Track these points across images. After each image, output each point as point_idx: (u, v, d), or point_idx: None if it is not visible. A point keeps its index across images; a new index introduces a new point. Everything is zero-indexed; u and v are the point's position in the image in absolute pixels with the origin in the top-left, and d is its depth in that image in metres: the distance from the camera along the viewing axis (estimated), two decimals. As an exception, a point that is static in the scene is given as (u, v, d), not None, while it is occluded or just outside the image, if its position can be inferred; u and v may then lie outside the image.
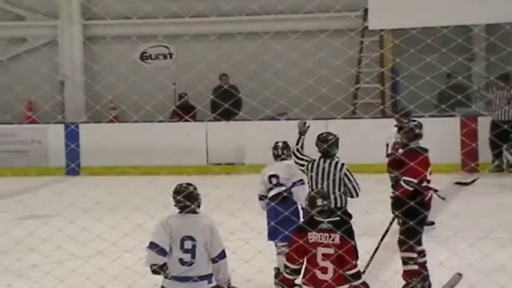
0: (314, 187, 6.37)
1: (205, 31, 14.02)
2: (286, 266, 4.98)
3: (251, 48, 11.77)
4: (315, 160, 6.48)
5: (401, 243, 6.30)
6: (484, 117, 12.52)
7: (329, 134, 6.54)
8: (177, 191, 4.94)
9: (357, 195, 6.33)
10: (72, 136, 13.67)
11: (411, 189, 6.24)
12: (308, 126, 6.75)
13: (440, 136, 11.19)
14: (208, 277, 4.87)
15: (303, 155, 6.65)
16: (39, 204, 9.39)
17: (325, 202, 4.95)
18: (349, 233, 4.93)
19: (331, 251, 4.82)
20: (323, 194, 5.07)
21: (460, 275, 6.02)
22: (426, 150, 6.44)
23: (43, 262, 6.98)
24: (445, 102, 9.38)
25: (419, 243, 6.35)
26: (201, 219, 4.92)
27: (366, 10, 13.71)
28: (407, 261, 6.32)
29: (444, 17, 11.69)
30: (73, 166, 12.96)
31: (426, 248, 6.52)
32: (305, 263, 4.92)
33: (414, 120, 6.95)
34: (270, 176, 6.93)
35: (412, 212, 6.11)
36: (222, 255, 4.90)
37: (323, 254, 4.83)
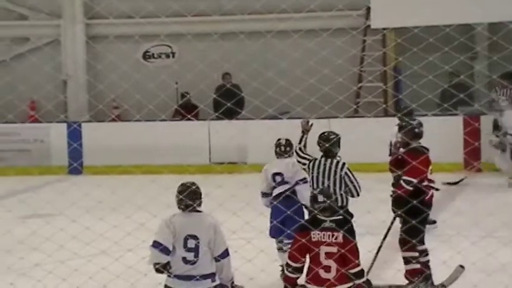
0: (316, 186, 6.36)
1: (208, 30, 14.03)
2: (288, 265, 4.98)
3: (253, 47, 11.79)
4: (316, 159, 6.48)
5: (402, 242, 6.30)
6: (486, 116, 12.50)
7: (331, 133, 6.54)
8: (182, 190, 4.93)
9: (358, 194, 6.33)
10: (74, 135, 13.67)
11: (411, 188, 6.23)
12: (311, 125, 6.75)
13: (443, 135, 11.19)
14: (211, 276, 4.88)
15: (305, 154, 6.65)
16: (42, 203, 9.40)
17: (327, 200, 4.93)
18: (351, 232, 4.92)
19: (334, 249, 4.82)
20: (326, 192, 5.06)
21: (462, 267, 6.01)
22: (427, 150, 6.44)
23: (46, 261, 6.98)
24: (448, 101, 9.38)
25: (422, 242, 6.34)
26: (205, 218, 4.92)
27: (368, 9, 13.70)
28: (409, 260, 6.31)
29: (447, 16, 11.69)
30: (76, 165, 12.96)
31: (429, 247, 6.51)
32: (308, 262, 4.91)
33: (414, 119, 6.94)
34: (274, 174, 6.93)
35: (413, 211, 6.11)
36: (226, 254, 4.91)
37: (326, 253, 4.82)
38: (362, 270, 4.90)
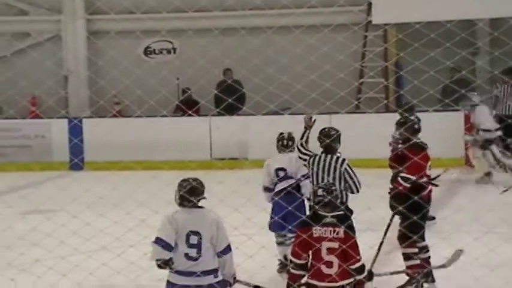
0: (316, 182, 6.36)
1: (209, 26, 14.01)
2: (291, 261, 4.98)
3: (255, 43, 11.76)
4: (316, 155, 6.48)
5: (401, 239, 6.29)
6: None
7: (331, 129, 6.53)
8: (184, 186, 4.91)
9: (358, 191, 6.32)
10: (75, 131, 13.67)
11: (408, 185, 6.22)
12: (314, 121, 6.74)
13: (444, 130, 11.18)
14: (214, 272, 4.88)
15: (306, 150, 6.64)
16: (43, 199, 9.39)
17: (328, 196, 4.93)
18: (351, 228, 4.92)
19: (335, 245, 4.82)
20: (328, 187, 5.05)
21: (461, 250, 6.00)
22: (426, 146, 6.44)
23: (46, 257, 6.98)
24: (449, 97, 9.35)
25: (422, 238, 6.33)
26: (207, 214, 4.92)
27: (369, 4, 13.68)
28: (409, 256, 6.30)
29: (448, 11, 11.67)
30: (76, 161, 12.95)
31: (430, 243, 6.51)
32: (310, 258, 4.91)
33: (412, 115, 6.94)
34: (277, 169, 6.92)
35: (413, 207, 6.11)
36: (228, 249, 4.91)
37: (328, 249, 4.83)
38: (363, 266, 4.90)
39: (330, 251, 4.82)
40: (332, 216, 4.88)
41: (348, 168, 6.35)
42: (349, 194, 6.35)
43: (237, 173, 10.45)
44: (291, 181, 6.87)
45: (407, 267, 6.34)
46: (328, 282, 4.82)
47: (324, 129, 6.53)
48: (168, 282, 4.92)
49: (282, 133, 7.09)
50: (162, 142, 13.41)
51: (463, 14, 11.70)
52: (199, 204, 4.94)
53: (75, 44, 15.54)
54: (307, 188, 6.70)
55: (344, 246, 4.80)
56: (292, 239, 6.40)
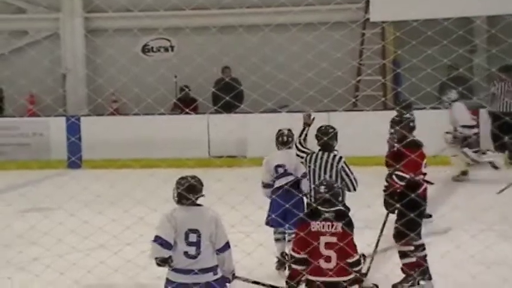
0: (313, 180, 6.39)
1: (206, 24, 14.01)
2: (292, 257, 5.04)
3: (252, 41, 11.76)
4: (314, 152, 6.49)
5: (397, 236, 6.30)
6: (484, 109, 12.50)
7: (328, 126, 6.55)
8: (183, 184, 4.92)
9: (354, 189, 6.34)
10: (73, 129, 13.66)
11: (403, 184, 6.23)
12: (313, 119, 6.76)
13: (441, 128, 11.15)
14: (213, 269, 4.89)
15: (304, 148, 6.65)
16: (41, 197, 9.41)
17: (330, 192, 5.00)
18: (350, 224, 4.95)
19: (333, 239, 4.87)
20: (329, 184, 5.10)
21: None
22: (422, 144, 6.46)
23: (44, 255, 6.98)
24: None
25: (419, 236, 6.34)
26: (206, 212, 4.93)
27: (367, 2, 13.68)
28: (405, 254, 6.31)
29: (446, 9, 11.68)
30: (74, 159, 12.95)
31: (427, 241, 6.52)
32: (307, 253, 4.95)
33: (409, 112, 6.94)
34: (277, 166, 6.93)
35: (411, 205, 6.12)
36: (227, 247, 4.92)
37: (326, 243, 4.88)
38: (359, 260, 4.94)
39: (328, 245, 4.86)
40: (331, 212, 4.92)
41: (344, 166, 6.37)
42: (346, 192, 6.35)
43: (235, 171, 10.44)
44: (290, 178, 6.88)
45: (404, 265, 6.35)
46: (327, 277, 4.85)
47: (321, 127, 6.56)
48: (167, 280, 4.93)
49: (281, 130, 7.10)
50: (160, 140, 13.41)
51: (460, 12, 11.71)
52: (198, 202, 4.95)
53: (73, 42, 15.52)
54: (306, 185, 6.71)
55: (341, 244, 4.82)
56: (292, 235, 6.48)
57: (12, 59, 14.92)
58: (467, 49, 11.76)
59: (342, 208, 5.06)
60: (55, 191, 8.75)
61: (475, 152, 10.96)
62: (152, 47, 15.74)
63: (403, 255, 6.33)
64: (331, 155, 6.43)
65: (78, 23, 15.51)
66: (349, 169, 6.40)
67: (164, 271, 4.97)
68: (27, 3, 15.84)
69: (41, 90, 13.80)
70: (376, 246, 6.39)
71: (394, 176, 6.27)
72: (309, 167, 6.46)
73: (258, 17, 13.49)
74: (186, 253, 4.83)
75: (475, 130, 11.15)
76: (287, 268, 6.54)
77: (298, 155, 6.70)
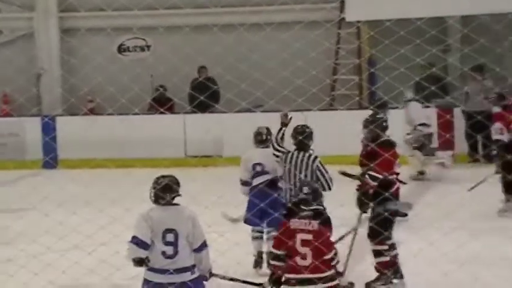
0: (288, 179, 6.43)
1: (180, 23, 13.98)
2: (271, 253, 5.13)
3: (227, 40, 11.76)
4: (290, 152, 6.53)
5: (372, 236, 6.34)
6: (458, 108, 12.62)
7: (305, 126, 6.58)
8: (159, 183, 4.92)
9: (329, 188, 6.37)
10: (48, 129, 13.58)
11: (375, 183, 6.27)
12: (290, 118, 6.78)
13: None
14: (190, 268, 4.88)
15: (281, 147, 6.68)
16: (16, 197, 9.34)
17: (312, 193, 5.11)
18: (327, 222, 5.01)
19: (309, 237, 4.93)
20: (311, 184, 5.23)
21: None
22: (395, 144, 6.51)
23: (18, 256, 6.94)
24: (421, 94, 9.43)
25: (390, 235, 6.37)
26: (183, 211, 4.92)
27: (342, 2, 13.73)
28: (380, 252, 6.35)
29: (420, 9, 11.77)
30: (48, 159, 12.86)
31: (400, 239, 6.57)
32: (286, 250, 5.01)
33: (384, 112, 6.98)
34: (255, 164, 6.95)
35: (380, 204, 6.17)
36: (204, 246, 4.92)
37: (302, 240, 4.94)
38: (335, 257, 5.00)
39: (304, 243, 4.93)
40: (308, 211, 5.01)
41: (319, 165, 6.41)
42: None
43: (210, 170, 10.44)
44: (268, 176, 6.91)
45: (378, 263, 6.39)
46: (302, 274, 4.90)
47: (297, 126, 6.60)
48: (145, 279, 4.92)
49: (259, 128, 7.13)
50: (135, 140, 13.37)
51: (434, 12, 11.81)
52: (175, 201, 4.95)
53: (48, 42, 15.41)
54: (282, 184, 6.73)
55: (318, 241, 4.88)
56: (271, 233, 6.53)
57: (-14, 59, 14.78)
58: (441, 48, 11.86)
59: (320, 207, 5.14)
60: (30, 192, 8.69)
61: (425, 155, 11.00)
62: (128, 47, 15.68)
63: (377, 254, 6.37)
64: (307, 154, 6.47)
65: (52, 22, 15.40)
66: (324, 168, 6.44)
67: (139, 271, 4.96)
68: (1, 2, 15.69)
69: (14, 89, 13.70)
70: (351, 246, 6.41)
71: (367, 176, 6.31)
72: (285, 166, 6.49)
73: (232, 16, 13.49)
74: (163, 253, 4.82)
75: (431, 130, 11.19)
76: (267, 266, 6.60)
77: (274, 155, 6.72)
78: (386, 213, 6.22)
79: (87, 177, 8.45)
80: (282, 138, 6.74)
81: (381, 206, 6.23)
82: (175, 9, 13.32)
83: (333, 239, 5.27)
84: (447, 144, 11.87)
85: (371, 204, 6.27)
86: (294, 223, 4.99)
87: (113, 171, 9.77)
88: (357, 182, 6.44)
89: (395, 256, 6.40)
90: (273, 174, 6.87)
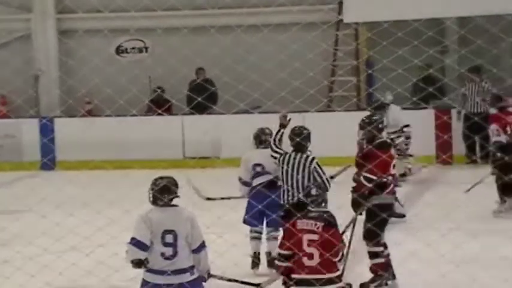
0: (285, 180, 6.44)
1: (179, 25, 13.98)
2: (279, 254, 5.17)
3: (225, 42, 11.77)
4: (287, 153, 6.53)
5: (368, 237, 6.34)
6: (455, 109, 12.63)
7: (302, 127, 6.59)
8: (157, 184, 4.92)
9: (327, 189, 6.35)
10: (46, 130, 13.57)
11: (370, 185, 6.28)
12: (289, 120, 6.78)
13: (414, 128, 11.24)
14: (189, 269, 4.88)
15: (279, 148, 6.69)
16: (12, 199, 9.32)
17: (322, 193, 5.19)
18: (334, 221, 5.10)
19: (315, 237, 4.98)
20: (321, 185, 5.37)
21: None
22: (391, 145, 6.51)
23: (15, 257, 6.93)
24: (419, 95, 9.44)
25: (383, 236, 6.37)
26: (182, 212, 4.92)
27: (340, 3, 13.75)
28: (376, 254, 6.35)
29: (417, 10, 11.78)
30: (45, 161, 12.85)
31: (398, 239, 6.57)
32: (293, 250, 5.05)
33: (382, 113, 6.98)
34: (255, 165, 6.96)
35: (377, 205, 6.18)
36: (203, 247, 4.93)
37: (309, 240, 4.98)
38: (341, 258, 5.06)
39: (311, 242, 4.97)
40: (316, 212, 5.08)
41: (317, 166, 6.42)
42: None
43: (208, 172, 10.42)
44: (269, 176, 6.91)
45: (374, 265, 6.39)
46: (308, 274, 4.94)
47: (295, 128, 6.61)
48: (144, 281, 4.91)
49: (260, 128, 7.13)
50: (134, 141, 13.36)
51: (432, 13, 11.82)
52: (173, 202, 4.95)
53: (46, 43, 15.39)
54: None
55: (324, 238, 4.92)
56: (271, 234, 6.54)
57: (-16, 61, 14.77)
58: (439, 50, 11.87)
59: (327, 210, 5.19)
60: (27, 193, 8.69)
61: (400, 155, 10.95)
62: (126, 48, 15.65)
63: (373, 255, 6.37)
64: (304, 155, 6.48)
65: (50, 23, 15.38)
66: (322, 170, 6.45)
67: (137, 273, 4.95)
68: (-2, 3, 15.68)
69: (12, 91, 13.69)
70: (349, 246, 6.41)
71: (362, 178, 6.32)
72: (282, 167, 6.50)
73: (230, 18, 13.50)
74: (162, 254, 4.82)
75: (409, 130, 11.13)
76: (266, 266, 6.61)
77: (272, 156, 6.73)
78: (384, 215, 6.22)
79: (85, 178, 8.45)
80: (280, 139, 6.74)
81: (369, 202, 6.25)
82: (173, 10, 13.32)
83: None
84: (445, 145, 11.88)
85: (367, 205, 6.27)
86: (301, 223, 5.04)
87: (111, 173, 9.77)
88: (352, 184, 6.45)
89: (387, 256, 6.40)
90: (274, 174, 6.87)
